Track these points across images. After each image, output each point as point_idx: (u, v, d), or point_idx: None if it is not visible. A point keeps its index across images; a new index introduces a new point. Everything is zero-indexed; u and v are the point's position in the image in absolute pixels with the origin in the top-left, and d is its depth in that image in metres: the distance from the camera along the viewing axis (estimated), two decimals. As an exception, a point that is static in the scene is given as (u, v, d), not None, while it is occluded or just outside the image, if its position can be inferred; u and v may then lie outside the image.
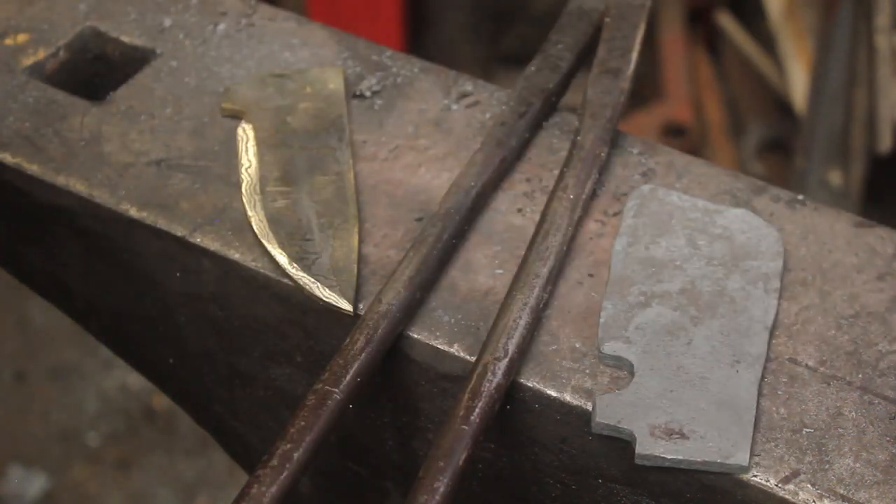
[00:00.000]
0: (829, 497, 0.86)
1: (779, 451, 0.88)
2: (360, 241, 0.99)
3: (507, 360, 0.89)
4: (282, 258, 0.97)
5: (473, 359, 0.92)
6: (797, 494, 0.86)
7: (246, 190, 1.01)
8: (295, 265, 0.96)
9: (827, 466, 0.87)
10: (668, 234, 0.98)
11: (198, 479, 2.64)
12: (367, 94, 1.10)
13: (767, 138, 2.85)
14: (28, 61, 1.12)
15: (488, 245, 0.99)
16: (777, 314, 0.95)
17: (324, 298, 0.95)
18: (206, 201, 1.01)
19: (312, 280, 0.95)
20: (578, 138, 1.02)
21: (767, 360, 0.92)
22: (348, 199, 1.00)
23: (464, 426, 0.85)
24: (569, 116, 1.08)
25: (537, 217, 1.00)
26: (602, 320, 0.93)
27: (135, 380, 2.73)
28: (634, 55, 1.07)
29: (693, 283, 0.95)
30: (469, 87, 1.10)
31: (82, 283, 1.10)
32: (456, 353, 0.93)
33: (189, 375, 1.10)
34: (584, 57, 1.10)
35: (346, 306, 0.94)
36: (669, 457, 0.86)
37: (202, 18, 1.16)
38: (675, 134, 2.86)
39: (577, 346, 0.93)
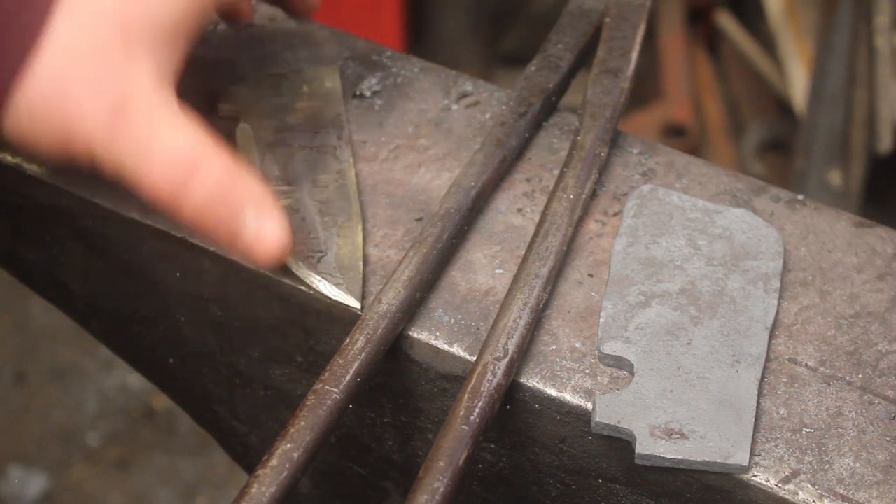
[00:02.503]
0: (829, 497, 0.86)
1: (779, 451, 0.88)
2: (364, 239, 0.99)
3: (507, 360, 0.89)
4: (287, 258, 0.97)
5: (473, 359, 0.92)
6: (797, 494, 0.86)
7: None
8: (300, 263, 0.96)
9: (827, 466, 0.87)
10: (668, 234, 0.98)
11: (198, 479, 2.64)
12: (367, 94, 1.10)
13: (767, 138, 2.85)
14: (28, 61, 1.12)
15: (488, 245, 0.99)
16: (777, 314, 0.95)
17: (331, 297, 0.95)
18: (206, 201, 1.01)
19: (319, 278, 0.95)
20: (578, 138, 1.02)
21: (767, 360, 0.92)
22: (351, 198, 1.00)
23: (464, 426, 0.85)
24: (569, 116, 1.08)
25: (537, 217, 1.00)
26: (602, 320, 0.93)
27: (135, 380, 2.73)
28: (634, 55, 1.07)
29: (693, 283, 0.95)
30: (469, 87, 1.10)
31: (82, 283, 1.10)
32: (456, 353, 0.93)
33: (189, 375, 1.10)
34: (584, 57, 1.10)
35: (354, 303, 0.95)
36: (669, 457, 0.86)
37: (202, 18, 1.16)
38: (675, 134, 2.86)
39: (577, 346, 0.93)
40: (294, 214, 0.99)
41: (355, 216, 0.99)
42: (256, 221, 0.87)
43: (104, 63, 0.87)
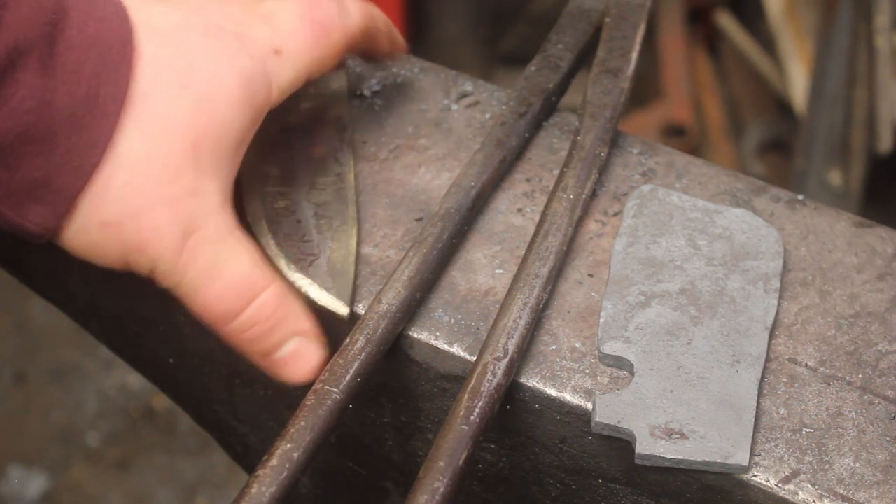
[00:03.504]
0: (829, 497, 0.86)
1: (779, 451, 0.88)
2: (359, 244, 0.99)
3: (507, 360, 0.89)
4: (279, 260, 0.96)
5: (473, 359, 0.92)
6: (797, 494, 0.86)
7: (245, 189, 1.01)
8: (292, 266, 0.96)
9: (827, 466, 0.87)
10: (668, 234, 0.98)
11: (198, 479, 2.64)
12: (367, 94, 1.10)
13: (767, 138, 2.85)
14: (28, 61, 1.12)
15: (488, 245, 0.99)
16: (777, 314, 0.95)
17: (320, 302, 0.95)
18: (206, 201, 1.01)
19: (309, 282, 0.95)
20: (578, 138, 1.02)
21: (767, 360, 0.92)
22: (348, 201, 1.00)
23: (464, 426, 0.85)
24: (569, 116, 1.08)
25: (537, 217, 1.00)
26: (602, 320, 0.93)
27: (135, 380, 2.73)
28: (634, 55, 1.07)
29: (693, 283, 0.95)
30: (469, 87, 1.10)
31: (82, 283, 1.10)
32: (456, 353, 0.93)
33: (189, 375, 1.10)
34: (584, 57, 1.10)
35: (342, 310, 0.94)
36: (669, 457, 0.86)
37: (202, 18, 1.16)
38: (675, 134, 2.86)
39: (577, 346, 0.93)
40: (290, 216, 0.99)
41: (351, 220, 0.99)
42: (294, 347, 0.91)
43: (178, 181, 0.88)
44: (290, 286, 0.94)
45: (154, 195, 0.87)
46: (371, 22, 0.99)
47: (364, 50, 1.02)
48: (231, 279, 0.89)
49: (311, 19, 0.95)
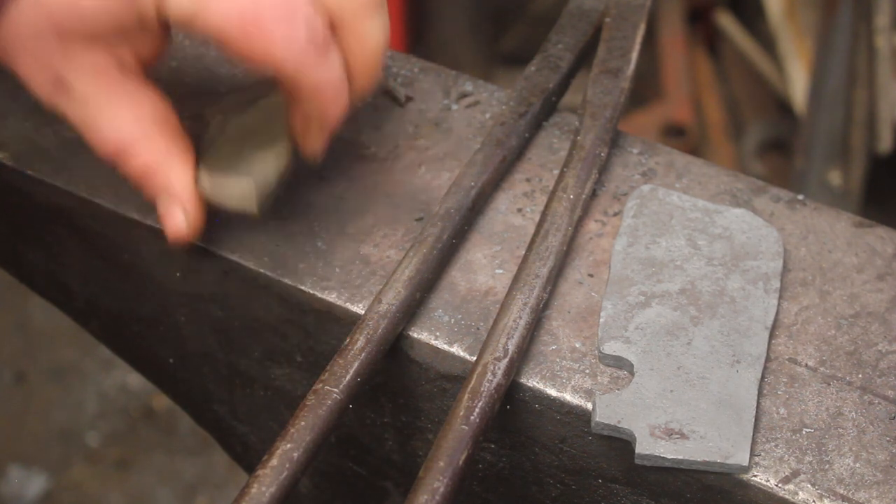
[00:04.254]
0: (829, 497, 0.86)
1: (779, 451, 0.88)
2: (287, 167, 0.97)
3: (507, 360, 0.89)
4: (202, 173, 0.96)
5: (473, 359, 0.92)
6: (797, 494, 0.86)
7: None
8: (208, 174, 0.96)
9: (827, 466, 0.87)
10: (668, 234, 0.98)
11: (198, 479, 2.64)
12: (367, 94, 1.09)
13: (767, 138, 2.85)
14: (28, 61, 1.12)
15: (488, 245, 0.99)
16: (777, 314, 0.95)
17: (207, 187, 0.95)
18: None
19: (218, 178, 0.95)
20: (578, 138, 1.02)
21: (767, 360, 0.92)
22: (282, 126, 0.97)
23: (464, 426, 0.85)
24: (569, 116, 1.08)
25: (537, 217, 1.00)
26: (602, 320, 0.93)
27: (135, 380, 2.73)
28: (634, 55, 1.07)
29: (693, 283, 0.95)
30: (469, 87, 1.10)
31: (82, 283, 1.10)
32: (456, 353, 0.93)
33: (189, 375, 1.10)
34: (584, 57, 1.10)
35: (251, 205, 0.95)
36: (669, 457, 0.86)
37: (202, 18, 1.15)
38: (675, 134, 2.87)
39: (577, 346, 0.93)
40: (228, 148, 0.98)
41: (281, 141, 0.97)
42: (167, 207, 0.95)
43: (42, 48, 0.91)
44: (177, 154, 0.95)
45: (23, 50, 0.91)
46: (320, 84, 0.91)
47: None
48: (102, 135, 0.94)
49: (260, 10, 0.87)
